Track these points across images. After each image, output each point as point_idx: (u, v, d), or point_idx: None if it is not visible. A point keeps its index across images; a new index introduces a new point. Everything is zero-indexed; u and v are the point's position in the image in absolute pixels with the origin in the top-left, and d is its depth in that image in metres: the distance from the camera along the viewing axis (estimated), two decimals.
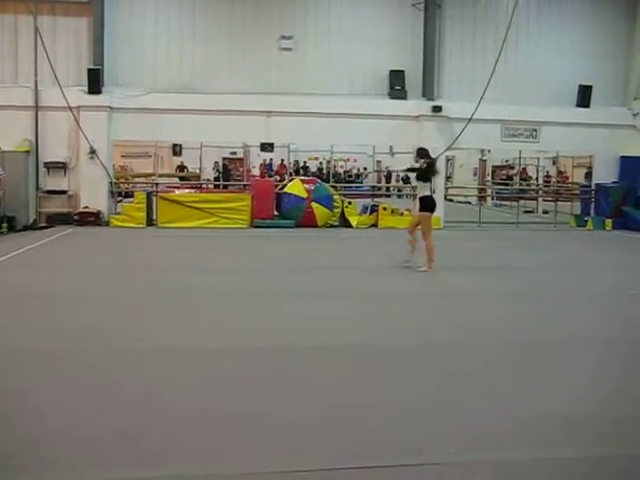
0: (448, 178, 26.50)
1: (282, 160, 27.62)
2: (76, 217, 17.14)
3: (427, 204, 11.07)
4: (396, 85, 18.56)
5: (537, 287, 9.77)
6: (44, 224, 17.13)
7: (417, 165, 11.53)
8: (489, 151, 27.69)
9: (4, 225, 15.74)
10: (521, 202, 22.60)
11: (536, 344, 6.50)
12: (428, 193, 11.13)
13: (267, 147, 19.16)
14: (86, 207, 17.26)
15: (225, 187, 23.32)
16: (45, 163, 17.40)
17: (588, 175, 21.56)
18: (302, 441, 4.07)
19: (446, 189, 21.00)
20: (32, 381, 5.12)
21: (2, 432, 4.15)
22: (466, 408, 4.72)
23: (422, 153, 11.43)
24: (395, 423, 4.41)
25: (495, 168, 30.53)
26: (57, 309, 7.67)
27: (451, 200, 24.20)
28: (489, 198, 27.41)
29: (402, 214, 18.61)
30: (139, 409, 4.56)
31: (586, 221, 19.57)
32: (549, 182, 25.49)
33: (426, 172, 11.17)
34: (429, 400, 4.86)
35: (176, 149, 28.99)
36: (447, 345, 6.42)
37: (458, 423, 4.42)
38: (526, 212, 22.97)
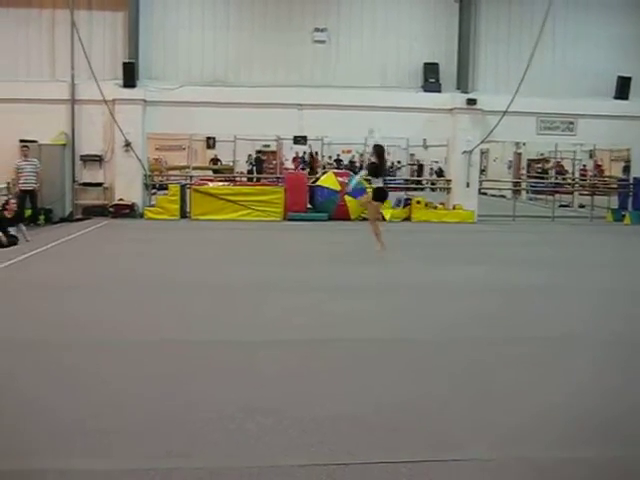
0: (482, 171, 26.25)
1: (316, 153, 27.60)
2: (111, 209, 17.38)
3: (375, 194, 12.39)
4: (430, 78, 18.39)
5: (570, 282, 9.62)
6: (80, 216, 17.40)
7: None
8: (524, 144, 27.35)
9: (41, 217, 15.99)
10: (557, 196, 22.29)
11: (564, 338, 6.42)
12: (380, 185, 12.25)
13: (300, 140, 19.17)
14: (121, 199, 17.47)
15: (258, 180, 23.39)
16: (81, 156, 17.65)
17: (626, 169, 21.19)
18: (331, 436, 4.06)
19: (480, 182, 20.77)
20: (48, 373, 5.16)
21: (17, 422, 4.17)
22: (492, 404, 4.67)
23: (375, 150, 12.45)
24: (424, 418, 4.38)
25: (530, 161, 30.15)
26: (88, 301, 7.73)
27: (485, 194, 23.95)
28: (524, 192, 27.07)
29: (436, 207, 18.51)
30: (167, 400, 4.59)
31: (623, 215, 19.23)
32: (585, 176, 25.10)
33: (374, 169, 12.25)
34: (456, 396, 4.81)
35: (210, 142, 29.22)
36: (474, 339, 6.34)
37: (486, 419, 4.38)
38: (562, 206, 22.64)
